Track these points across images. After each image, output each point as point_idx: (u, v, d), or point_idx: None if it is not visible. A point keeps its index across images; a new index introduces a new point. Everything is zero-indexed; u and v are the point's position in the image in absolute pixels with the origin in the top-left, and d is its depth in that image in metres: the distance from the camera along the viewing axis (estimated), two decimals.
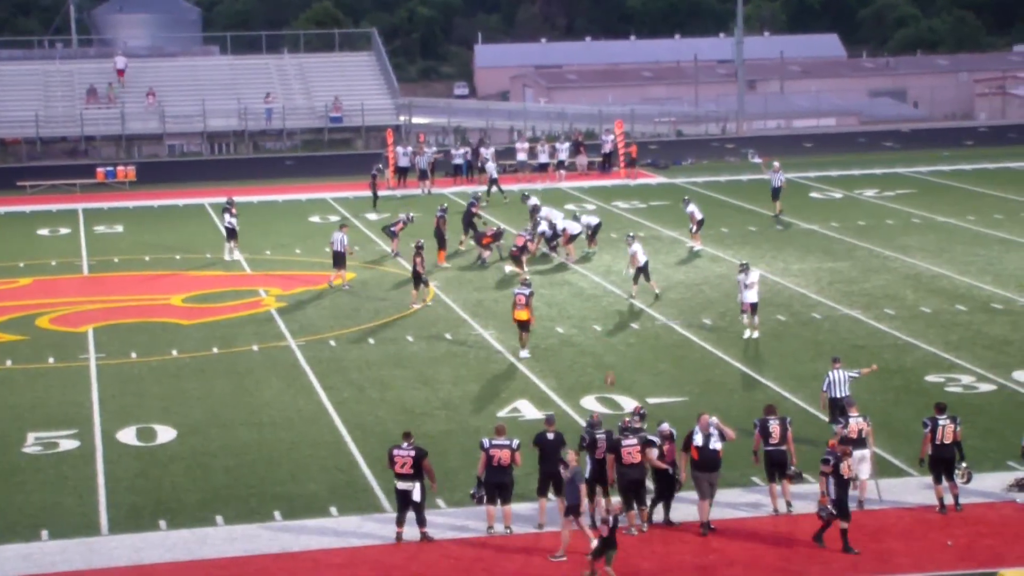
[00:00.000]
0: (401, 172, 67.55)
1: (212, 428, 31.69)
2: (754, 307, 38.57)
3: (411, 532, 25.03)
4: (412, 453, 24.96)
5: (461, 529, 25.57)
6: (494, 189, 62.37)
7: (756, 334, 38.42)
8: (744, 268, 39.17)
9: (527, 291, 37.20)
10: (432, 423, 31.74)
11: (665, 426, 25.89)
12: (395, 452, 25.06)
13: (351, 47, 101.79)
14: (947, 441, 25.87)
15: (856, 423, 26.15)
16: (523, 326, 37.10)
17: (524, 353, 37.07)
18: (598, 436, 25.45)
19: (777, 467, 25.97)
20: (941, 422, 25.91)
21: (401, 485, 24.83)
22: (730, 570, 23.58)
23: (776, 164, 58.90)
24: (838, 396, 29.20)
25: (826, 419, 29.75)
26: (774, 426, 26.06)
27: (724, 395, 33.47)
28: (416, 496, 24.85)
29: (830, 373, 29.67)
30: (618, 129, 72.59)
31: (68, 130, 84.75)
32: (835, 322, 40.24)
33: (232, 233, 50.63)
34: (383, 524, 25.49)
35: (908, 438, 29.73)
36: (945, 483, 25.90)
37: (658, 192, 63.92)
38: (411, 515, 24.99)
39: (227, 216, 50.76)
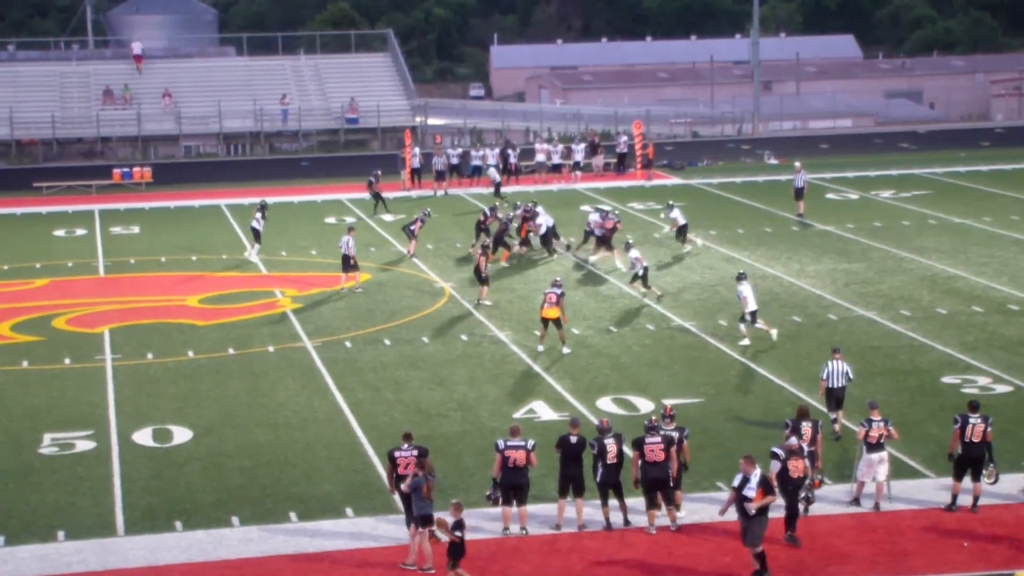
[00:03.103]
0: (416, 173, 67.57)
1: (227, 429, 31.73)
2: (754, 315, 38.32)
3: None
4: (414, 453, 24.97)
5: (477, 530, 25.55)
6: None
7: (747, 341, 38.21)
8: (741, 277, 38.96)
9: (559, 291, 37.49)
10: (447, 424, 31.76)
11: (793, 440, 25.44)
12: (396, 454, 25.05)
13: (367, 48, 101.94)
14: (976, 440, 25.83)
15: (878, 427, 26.12)
16: (556, 324, 37.30)
17: (566, 349, 37.36)
18: (607, 442, 25.43)
19: None
20: (972, 420, 25.85)
21: (406, 486, 24.83)
22: (745, 571, 23.56)
23: (797, 164, 58.87)
24: (835, 386, 29.93)
25: (823, 408, 30.06)
26: (806, 428, 26.14)
27: (739, 396, 33.45)
28: None
29: (829, 363, 30.15)
30: (636, 130, 72.53)
31: (84, 131, 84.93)
32: (851, 323, 40.19)
33: (256, 235, 50.66)
34: (398, 525, 25.49)
35: (923, 439, 29.73)
36: (968, 483, 25.85)
37: (674, 193, 63.83)
38: None
39: (258, 216, 50.82)
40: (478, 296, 43.34)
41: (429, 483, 24.18)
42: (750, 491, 23.06)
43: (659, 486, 25.26)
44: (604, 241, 48.77)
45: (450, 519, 22.99)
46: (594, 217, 49.90)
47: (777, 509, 26.09)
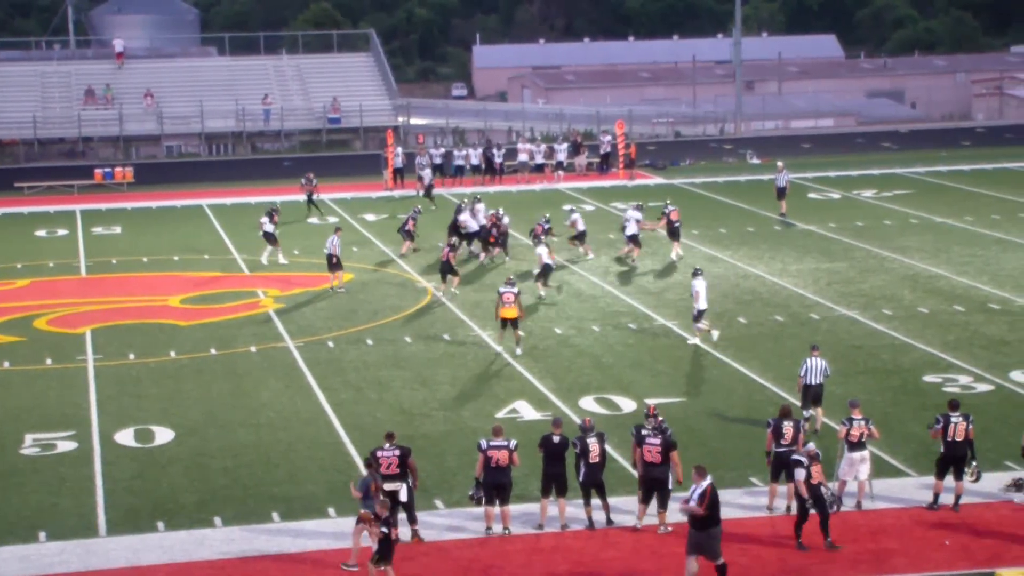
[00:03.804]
0: (398, 173, 67.52)
1: (210, 429, 31.69)
2: (701, 313, 38.28)
3: (406, 533, 25.04)
4: (397, 452, 24.98)
5: (459, 530, 25.58)
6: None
7: (698, 340, 38.27)
8: (696, 273, 38.96)
9: (515, 290, 37.41)
10: (430, 424, 31.76)
11: (811, 446, 25.19)
12: (379, 453, 25.04)
13: (349, 48, 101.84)
14: (959, 439, 25.88)
15: (859, 426, 26.15)
16: (514, 324, 37.28)
17: (519, 351, 37.31)
18: (589, 441, 25.43)
19: (785, 467, 25.95)
20: (954, 419, 25.90)
21: (388, 486, 24.80)
22: (728, 570, 23.56)
23: (780, 164, 58.97)
24: (812, 383, 30.10)
25: (798, 403, 30.22)
26: (787, 428, 26.07)
27: (722, 395, 33.48)
28: (403, 496, 24.85)
29: (807, 360, 30.28)
30: (619, 130, 72.59)
31: (66, 131, 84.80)
32: (833, 322, 40.26)
33: (270, 238, 50.19)
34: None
35: (905, 438, 29.79)
36: (951, 481, 25.91)
37: (656, 193, 63.89)
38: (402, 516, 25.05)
39: (264, 220, 50.37)
40: (448, 286, 43.85)
41: (377, 482, 24.23)
42: (693, 502, 22.69)
43: (657, 486, 25.30)
44: (634, 239, 49.02)
45: (379, 515, 23.12)
46: (634, 214, 49.99)
47: (761, 510, 26.19)
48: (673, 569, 23.80)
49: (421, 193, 64.23)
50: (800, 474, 24.46)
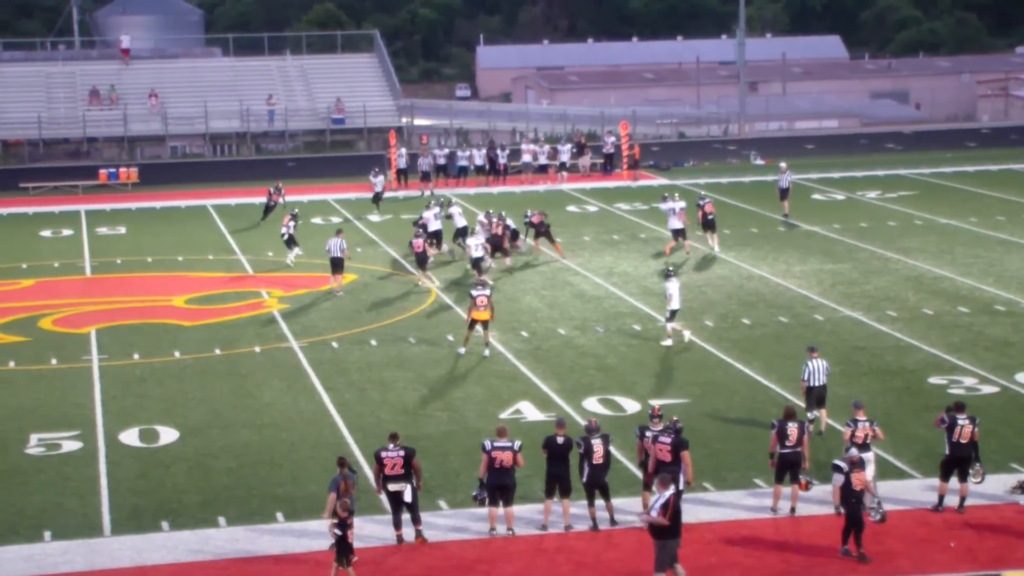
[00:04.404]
0: (402, 173, 67.55)
1: (214, 429, 31.71)
2: (673, 314, 38.35)
3: (410, 533, 25.07)
4: (401, 453, 25.01)
5: (463, 531, 25.59)
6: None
7: (670, 342, 38.28)
8: (668, 274, 39.01)
9: (487, 291, 37.51)
10: (434, 424, 31.77)
11: (854, 452, 24.90)
12: (383, 454, 25.06)
13: (353, 49, 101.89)
14: (964, 441, 25.88)
15: (863, 427, 26.16)
16: (484, 325, 37.45)
17: (487, 352, 37.40)
18: (594, 442, 25.44)
19: (790, 468, 25.97)
20: (960, 421, 25.89)
21: (392, 487, 24.86)
22: (730, 571, 23.59)
23: (783, 165, 58.96)
24: (816, 385, 30.13)
25: (803, 405, 30.26)
26: (792, 429, 26.02)
27: (725, 396, 33.48)
28: (407, 497, 24.90)
29: (809, 362, 30.25)
30: (623, 130, 72.60)
31: (70, 131, 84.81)
32: (837, 324, 40.25)
33: (292, 241, 49.93)
34: (384, 526, 25.50)
35: (910, 440, 29.78)
36: (955, 483, 25.89)
37: (660, 194, 63.82)
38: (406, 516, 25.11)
39: (290, 224, 50.15)
40: (421, 278, 45.19)
41: (347, 482, 24.34)
42: (654, 512, 22.42)
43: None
44: (680, 233, 49.72)
45: (336, 517, 23.33)
46: (674, 205, 50.42)
47: (766, 511, 26.19)
48: None
49: (427, 192, 64.30)
50: (838, 480, 24.24)
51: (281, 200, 58.58)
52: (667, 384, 34.64)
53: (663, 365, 36.37)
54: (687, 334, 38.38)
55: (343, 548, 23.28)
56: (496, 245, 48.30)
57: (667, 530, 22.44)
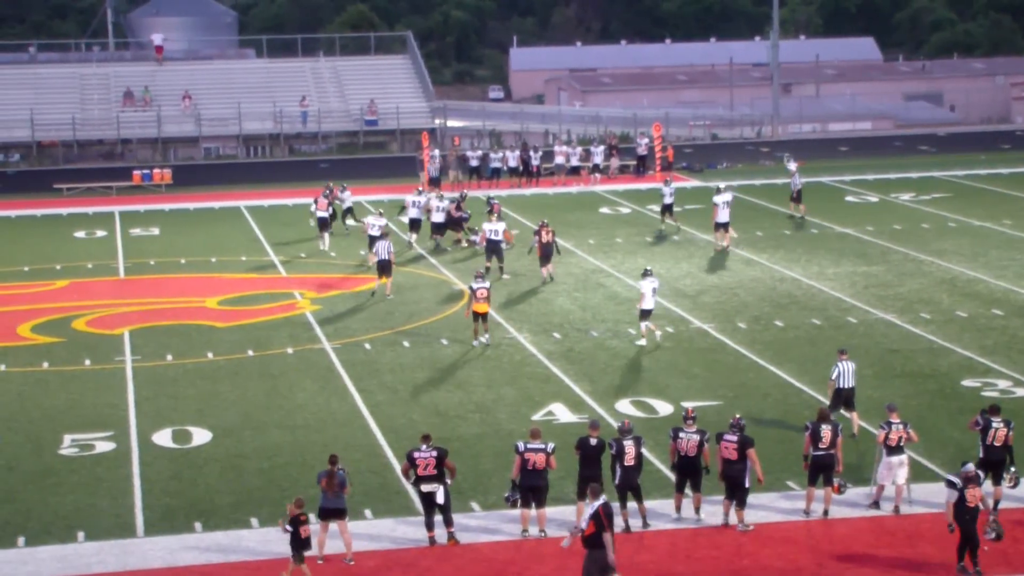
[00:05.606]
0: (434, 182, 67.40)
1: (246, 430, 31.79)
2: (646, 313, 38.32)
3: (443, 535, 25.10)
4: (434, 454, 25.03)
5: (495, 532, 25.60)
6: (349, 222, 57.56)
7: (644, 342, 38.29)
8: (646, 273, 38.97)
9: (487, 284, 38.68)
10: (466, 426, 31.79)
11: (970, 467, 23.88)
12: (416, 455, 25.08)
13: (386, 50, 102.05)
14: (998, 444, 25.78)
15: (897, 430, 26.06)
16: (483, 318, 38.50)
17: (486, 339, 38.57)
18: (626, 444, 25.43)
19: (823, 471, 25.90)
20: (995, 424, 25.80)
21: (425, 488, 24.91)
22: (762, 574, 23.53)
23: (793, 167, 58.78)
24: (845, 387, 30.09)
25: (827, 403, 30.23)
26: (826, 431, 25.94)
27: (758, 399, 33.41)
28: (440, 498, 24.93)
29: (838, 364, 30.25)
30: (656, 132, 72.52)
31: (104, 133, 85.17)
32: (870, 326, 40.13)
33: (324, 223, 52.41)
34: (417, 527, 25.53)
35: (943, 442, 29.67)
36: (989, 487, 25.74)
37: (692, 195, 63.80)
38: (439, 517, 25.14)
39: (320, 204, 52.60)
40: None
41: (332, 479, 24.50)
42: (583, 523, 22.07)
43: (732, 484, 25.59)
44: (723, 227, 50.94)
45: (290, 514, 23.57)
46: (720, 198, 51.23)
47: (799, 513, 26.12)
48: (708, 572, 23.79)
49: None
50: (951, 496, 23.43)
51: (340, 195, 57.88)
52: (700, 386, 34.59)
53: (696, 367, 36.30)
54: (659, 334, 38.57)
55: (297, 544, 23.50)
56: (451, 223, 52.30)
57: (592, 539, 22.09)
